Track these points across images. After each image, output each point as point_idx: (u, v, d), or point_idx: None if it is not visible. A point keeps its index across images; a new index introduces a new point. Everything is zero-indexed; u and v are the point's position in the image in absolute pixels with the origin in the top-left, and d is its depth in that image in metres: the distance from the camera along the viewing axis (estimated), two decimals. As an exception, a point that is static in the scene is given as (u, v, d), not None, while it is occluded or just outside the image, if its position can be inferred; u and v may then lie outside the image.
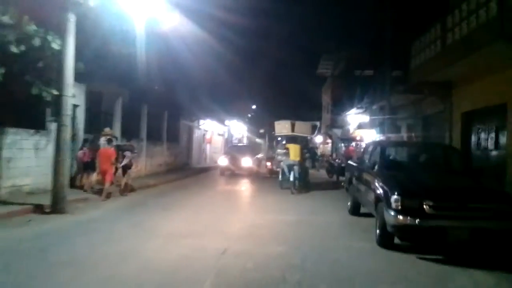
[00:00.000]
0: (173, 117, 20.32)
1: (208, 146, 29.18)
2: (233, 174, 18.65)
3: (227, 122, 34.73)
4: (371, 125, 22.00)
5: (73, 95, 8.82)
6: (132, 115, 15.89)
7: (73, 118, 10.09)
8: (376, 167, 7.13)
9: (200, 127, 26.18)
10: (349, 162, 10.74)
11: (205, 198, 11.67)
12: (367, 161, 8.23)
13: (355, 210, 8.93)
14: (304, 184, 13.62)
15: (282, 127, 17.54)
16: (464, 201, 5.70)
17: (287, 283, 4.49)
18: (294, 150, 13.42)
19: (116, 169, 10.78)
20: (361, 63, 24.74)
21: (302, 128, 17.60)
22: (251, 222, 8.10)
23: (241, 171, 18.67)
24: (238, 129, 39.91)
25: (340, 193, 12.17)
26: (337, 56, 34.35)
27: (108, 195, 10.14)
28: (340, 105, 31.34)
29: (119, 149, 10.99)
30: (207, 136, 28.78)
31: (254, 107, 48.58)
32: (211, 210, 9.55)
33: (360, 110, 24.55)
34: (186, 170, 20.40)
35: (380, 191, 6.35)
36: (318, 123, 16.99)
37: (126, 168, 11.01)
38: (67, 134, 8.46)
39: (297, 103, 46.88)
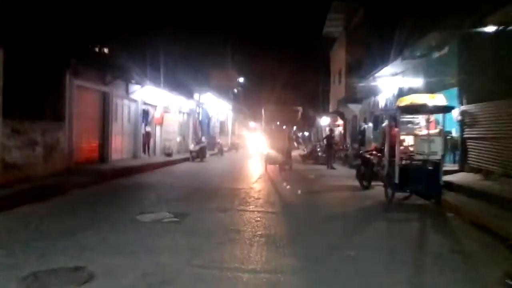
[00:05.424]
0: (47, 69, 9.78)
1: (158, 129, 18.54)
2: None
3: (197, 96, 24.04)
4: (429, 88, 12.05)
5: None
6: None
7: None
8: None
9: (134, 96, 15.48)
10: None
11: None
12: None
13: None
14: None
15: (270, 113, 16.84)
16: None
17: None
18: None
19: None
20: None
21: (290, 113, 17.06)
22: None
23: None
24: (217, 106, 29.17)
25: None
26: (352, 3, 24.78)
27: None
28: (359, 68, 21.50)
29: None
30: (156, 115, 18.18)
31: (241, 80, 37.38)
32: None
33: (402, 67, 14.45)
34: (61, 177, 9.80)
35: None
36: (300, 108, 17.17)
37: None
38: None
39: (297, 74, 36.21)
